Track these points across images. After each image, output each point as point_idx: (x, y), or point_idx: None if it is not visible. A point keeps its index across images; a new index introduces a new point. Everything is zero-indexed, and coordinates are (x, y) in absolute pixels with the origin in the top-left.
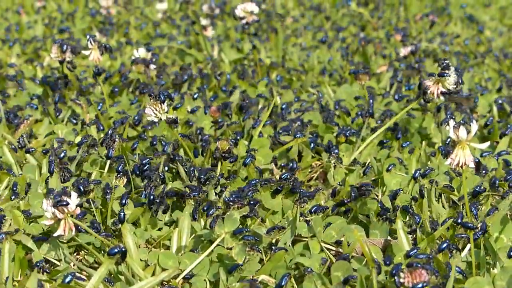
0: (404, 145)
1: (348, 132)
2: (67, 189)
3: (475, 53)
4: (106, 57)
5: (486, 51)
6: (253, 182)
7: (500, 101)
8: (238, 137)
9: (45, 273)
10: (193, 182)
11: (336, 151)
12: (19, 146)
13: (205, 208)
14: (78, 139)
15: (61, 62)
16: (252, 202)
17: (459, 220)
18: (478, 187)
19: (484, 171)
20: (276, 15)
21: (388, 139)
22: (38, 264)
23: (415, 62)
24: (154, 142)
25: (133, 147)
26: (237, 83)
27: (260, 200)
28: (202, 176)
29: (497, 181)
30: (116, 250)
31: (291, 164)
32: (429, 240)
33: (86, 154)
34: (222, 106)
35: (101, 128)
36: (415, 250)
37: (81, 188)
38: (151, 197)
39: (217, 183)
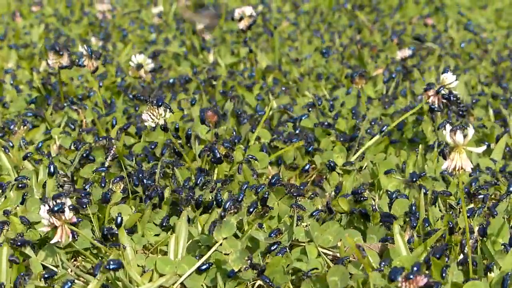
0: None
1: (345, 138)
2: (62, 195)
3: (471, 55)
4: (100, 63)
5: (482, 54)
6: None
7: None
8: (235, 141)
9: (43, 279)
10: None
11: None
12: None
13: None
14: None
15: (60, 68)
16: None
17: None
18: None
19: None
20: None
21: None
22: (46, 275)
23: (412, 66)
24: (153, 147)
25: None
26: (233, 85)
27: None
28: (198, 181)
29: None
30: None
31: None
32: (426, 244)
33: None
34: (217, 110)
35: (97, 137)
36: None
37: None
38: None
39: (214, 187)
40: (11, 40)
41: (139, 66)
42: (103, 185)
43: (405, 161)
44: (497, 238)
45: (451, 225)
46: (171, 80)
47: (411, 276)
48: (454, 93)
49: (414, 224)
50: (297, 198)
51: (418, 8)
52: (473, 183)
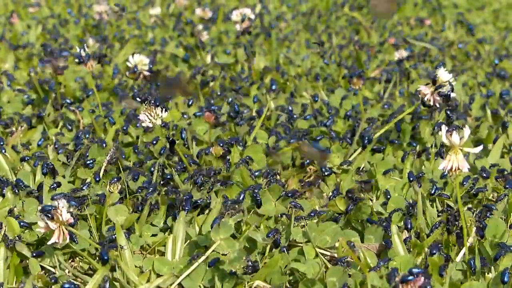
0: (405, 154)
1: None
2: (57, 197)
3: (468, 56)
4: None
5: (479, 55)
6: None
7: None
8: (232, 142)
9: (40, 280)
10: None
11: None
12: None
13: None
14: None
15: (55, 69)
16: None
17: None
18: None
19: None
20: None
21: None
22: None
23: (410, 66)
24: (154, 142)
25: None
26: (229, 86)
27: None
28: (197, 181)
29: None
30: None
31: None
32: (423, 245)
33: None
34: (215, 111)
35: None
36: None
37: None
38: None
39: (211, 187)
40: (8, 41)
41: (137, 67)
42: (97, 179)
43: (403, 160)
44: (495, 239)
45: (448, 226)
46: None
47: (410, 278)
48: (447, 91)
49: (410, 227)
50: (294, 198)
51: (416, 9)
52: (465, 182)
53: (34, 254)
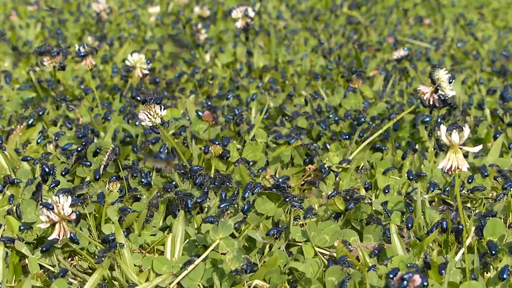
0: (406, 152)
1: (341, 136)
2: (60, 193)
3: (467, 55)
4: (98, 62)
5: (477, 54)
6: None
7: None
8: (226, 142)
9: (39, 279)
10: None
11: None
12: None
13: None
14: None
15: (59, 68)
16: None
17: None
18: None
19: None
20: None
21: (385, 146)
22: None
23: (409, 65)
24: (153, 141)
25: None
26: (228, 85)
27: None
28: (196, 181)
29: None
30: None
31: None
32: (422, 244)
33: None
34: (213, 110)
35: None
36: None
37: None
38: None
39: (211, 186)
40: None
41: (135, 66)
42: (97, 177)
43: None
44: (494, 238)
45: (446, 225)
46: (167, 80)
47: (405, 283)
48: (446, 92)
49: (410, 225)
50: (292, 200)
51: (415, 8)
52: (469, 180)
53: (44, 249)
